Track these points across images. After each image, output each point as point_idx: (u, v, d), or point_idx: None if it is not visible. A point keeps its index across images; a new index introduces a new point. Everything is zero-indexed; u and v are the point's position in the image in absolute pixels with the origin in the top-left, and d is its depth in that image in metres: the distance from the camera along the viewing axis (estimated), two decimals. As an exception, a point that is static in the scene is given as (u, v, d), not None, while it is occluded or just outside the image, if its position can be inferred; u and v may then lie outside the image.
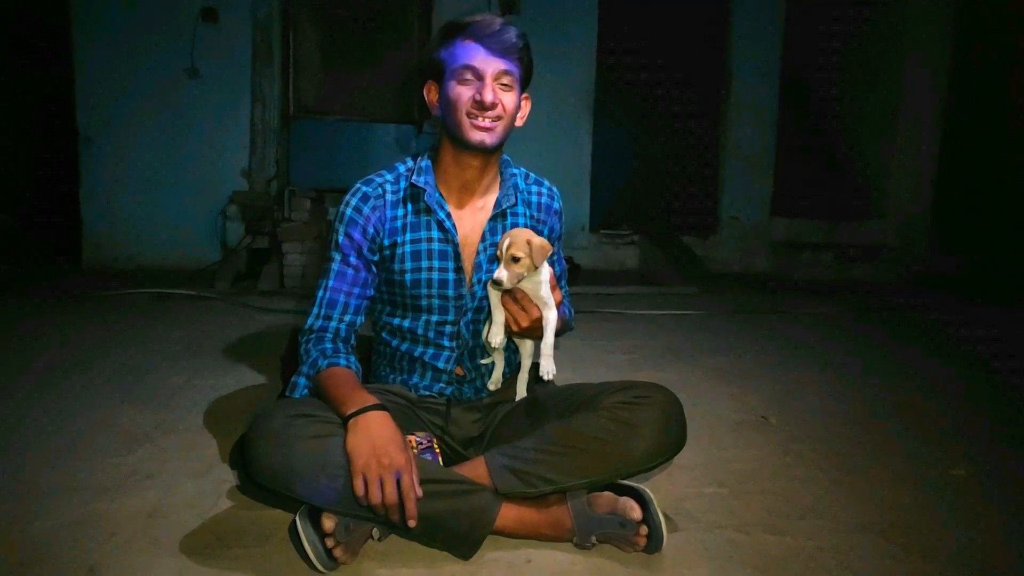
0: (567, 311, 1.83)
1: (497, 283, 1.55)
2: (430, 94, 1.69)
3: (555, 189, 1.87)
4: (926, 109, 6.51)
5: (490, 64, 1.58)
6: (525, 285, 1.60)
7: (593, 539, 1.50)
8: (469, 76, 1.59)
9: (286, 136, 5.85)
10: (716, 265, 6.20)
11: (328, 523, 1.39)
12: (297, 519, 1.42)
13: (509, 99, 1.62)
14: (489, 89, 1.58)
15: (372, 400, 1.47)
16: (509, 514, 1.50)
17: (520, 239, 1.55)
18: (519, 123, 1.72)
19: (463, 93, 1.59)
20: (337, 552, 1.40)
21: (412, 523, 1.37)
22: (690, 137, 6.55)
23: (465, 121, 1.60)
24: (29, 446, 2.02)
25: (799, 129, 6.50)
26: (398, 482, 1.36)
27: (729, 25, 6.31)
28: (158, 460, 1.94)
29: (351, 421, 1.42)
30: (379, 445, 1.38)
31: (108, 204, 5.60)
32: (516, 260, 1.54)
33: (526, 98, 1.72)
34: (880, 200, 6.67)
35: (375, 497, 1.35)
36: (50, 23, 5.64)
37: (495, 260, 1.67)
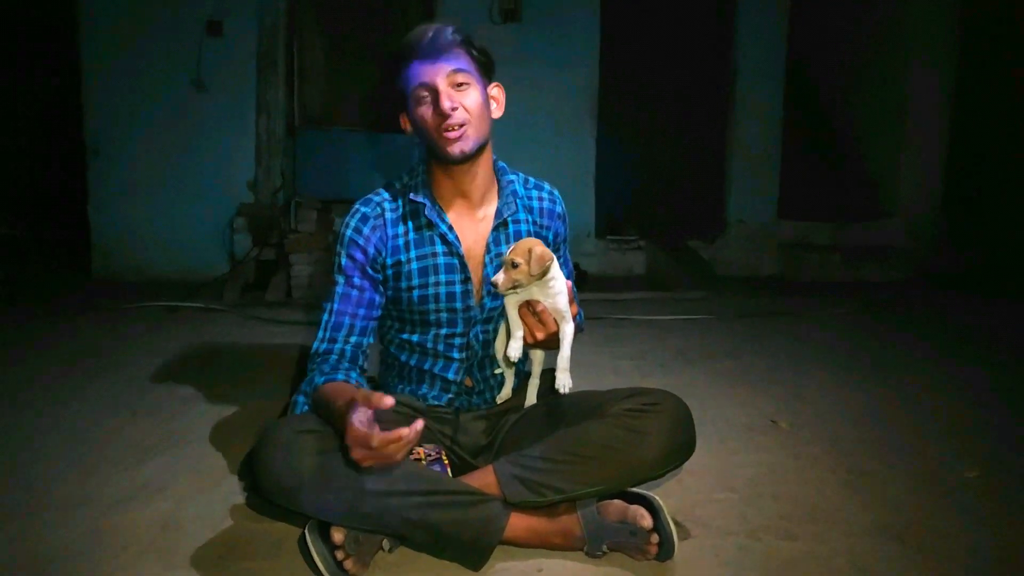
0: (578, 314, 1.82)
1: (493, 285, 1.54)
2: (405, 125, 1.68)
3: (556, 192, 1.83)
4: (933, 107, 6.47)
5: (437, 72, 1.56)
6: (542, 296, 1.56)
7: (604, 548, 1.50)
8: (424, 94, 1.57)
9: (292, 147, 5.87)
10: (724, 268, 6.18)
11: (338, 535, 1.40)
12: (307, 532, 1.42)
13: (470, 98, 1.58)
14: (444, 96, 1.55)
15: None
16: (519, 524, 1.49)
17: (523, 247, 1.53)
18: (497, 114, 1.68)
19: (425, 112, 1.58)
20: (348, 564, 1.40)
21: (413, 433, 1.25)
22: (695, 140, 6.54)
23: (437, 138, 1.59)
24: (40, 459, 2.03)
25: (805, 130, 6.48)
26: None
27: (734, 27, 6.30)
28: (169, 472, 1.95)
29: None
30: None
31: (116, 215, 5.63)
32: (515, 266, 1.51)
33: (497, 86, 1.68)
34: (888, 199, 6.64)
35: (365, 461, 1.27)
36: (58, 36, 5.69)
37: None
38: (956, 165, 6.51)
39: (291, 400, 1.63)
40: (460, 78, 1.57)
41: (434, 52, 1.56)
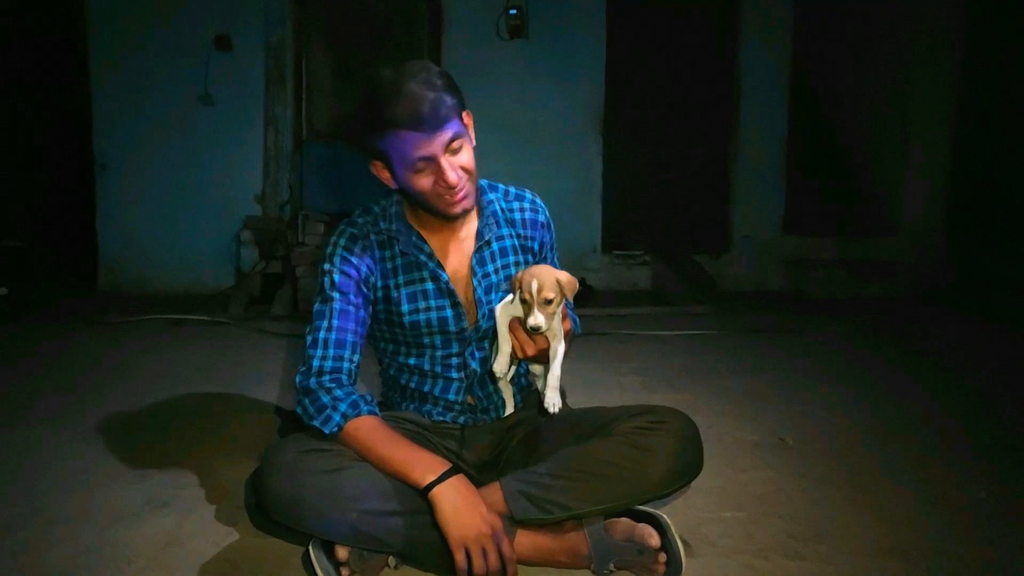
0: (573, 319, 1.80)
1: (535, 329, 1.53)
2: (380, 173, 1.60)
3: (538, 200, 1.79)
4: (937, 123, 6.48)
5: (436, 143, 1.47)
6: None
7: (611, 566, 1.49)
8: (423, 166, 1.50)
9: (299, 160, 5.90)
10: (729, 283, 6.17)
11: (342, 552, 1.40)
12: (311, 548, 1.42)
13: (466, 155, 1.54)
14: (450, 170, 1.49)
15: (444, 463, 1.46)
16: (524, 541, 1.48)
17: (549, 280, 1.52)
18: (472, 144, 1.62)
19: (425, 182, 1.52)
20: (352, 581, 1.39)
21: None
22: (700, 155, 6.55)
23: (438, 203, 1.55)
24: (44, 473, 2.04)
25: (810, 146, 6.49)
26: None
27: (738, 43, 6.33)
28: (174, 487, 1.95)
29: (435, 491, 1.40)
30: (475, 513, 1.38)
31: (123, 229, 5.66)
32: (548, 303, 1.52)
33: (467, 114, 1.59)
34: (893, 216, 6.64)
35: (481, 568, 1.35)
36: (67, 49, 5.75)
37: (492, 290, 1.67)
38: (960, 183, 6.51)
39: (326, 414, 1.52)
40: (457, 141, 1.51)
41: (433, 125, 1.45)
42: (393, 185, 1.61)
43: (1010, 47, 5.99)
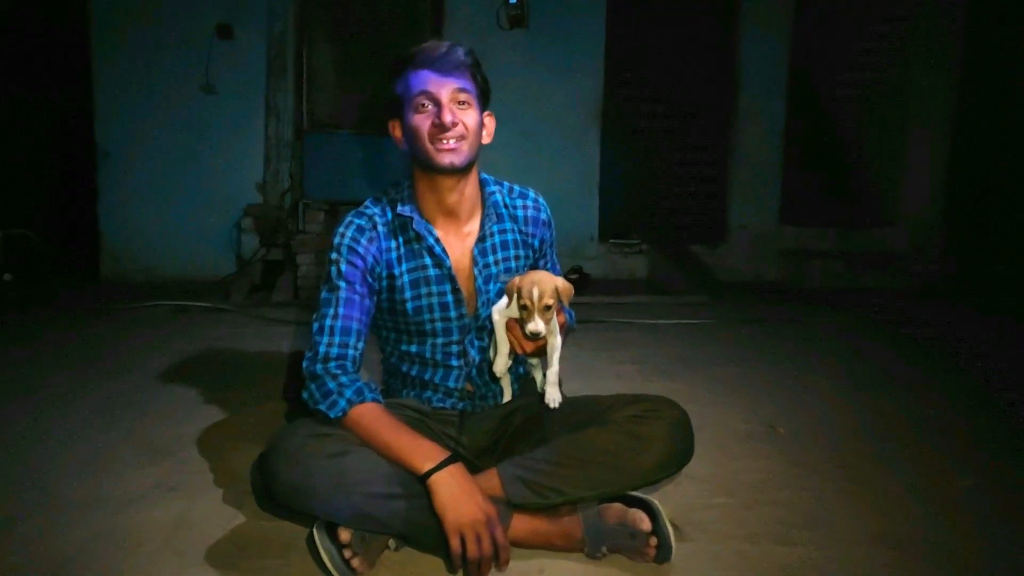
0: (568, 314, 1.86)
1: (535, 335, 1.58)
2: (395, 132, 1.71)
3: (541, 199, 1.86)
4: (936, 116, 6.49)
5: (444, 85, 1.60)
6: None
7: (604, 549, 1.54)
8: (426, 102, 1.60)
9: (300, 149, 5.92)
10: (725, 274, 6.21)
11: (345, 534, 1.44)
12: (314, 531, 1.46)
13: (470, 117, 1.63)
14: (447, 110, 1.59)
15: (443, 452, 1.50)
16: (521, 525, 1.53)
17: (549, 288, 1.57)
18: (486, 140, 1.72)
19: (423, 120, 1.61)
20: (355, 563, 1.44)
21: (505, 568, 1.44)
22: (698, 146, 6.57)
23: (430, 147, 1.61)
24: (54, 459, 2.07)
25: (808, 138, 6.51)
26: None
27: (737, 35, 6.34)
28: (181, 472, 1.99)
29: (433, 478, 1.44)
30: (470, 501, 1.42)
31: (126, 218, 5.69)
32: (548, 308, 1.57)
33: (489, 115, 1.72)
34: (890, 207, 6.66)
35: (475, 553, 1.39)
36: (70, 41, 5.74)
37: (491, 280, 1.73)
38: (958, 176, 6.52)
39: (332, 399, 1.56)
40: (463, 97, 1.62)
41: (445, 66, 1.60)
42: (402, 144, 1.70)
43: (1010, 46, 5.99)
